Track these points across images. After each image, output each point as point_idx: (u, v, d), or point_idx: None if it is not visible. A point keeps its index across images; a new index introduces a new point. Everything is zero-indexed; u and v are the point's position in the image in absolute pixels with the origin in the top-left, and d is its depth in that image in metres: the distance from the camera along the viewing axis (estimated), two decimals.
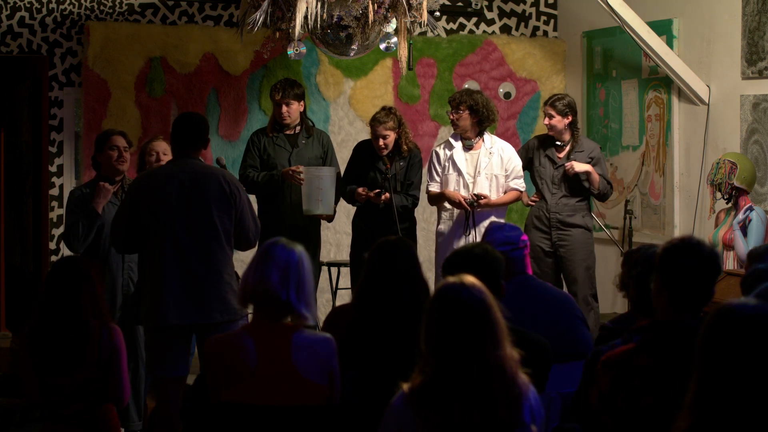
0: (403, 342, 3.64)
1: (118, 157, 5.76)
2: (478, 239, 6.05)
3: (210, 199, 4.99)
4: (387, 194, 6.54)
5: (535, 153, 7.00)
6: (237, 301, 3.71)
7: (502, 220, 6.69)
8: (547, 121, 6.88)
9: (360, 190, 6.61)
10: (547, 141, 6.98)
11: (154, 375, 5.16)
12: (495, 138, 6.85)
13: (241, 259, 7.42)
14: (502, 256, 3.89)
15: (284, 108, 6.64)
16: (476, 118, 6.63)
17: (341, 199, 6.85)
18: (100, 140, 5.85)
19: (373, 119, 6.68)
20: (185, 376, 5.11)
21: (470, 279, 2.99)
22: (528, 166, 7.02)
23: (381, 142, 6.62)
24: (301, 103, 6.74)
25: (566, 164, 6.83)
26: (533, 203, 7.01)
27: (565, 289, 6.98)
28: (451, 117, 6.70)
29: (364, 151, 6.78)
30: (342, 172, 6.83)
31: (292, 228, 6.43)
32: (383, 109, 6.74)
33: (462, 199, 6.56)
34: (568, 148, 6.92)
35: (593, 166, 6.86)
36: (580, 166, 6.81)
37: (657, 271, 3.10)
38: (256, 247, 6.65)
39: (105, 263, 5.63)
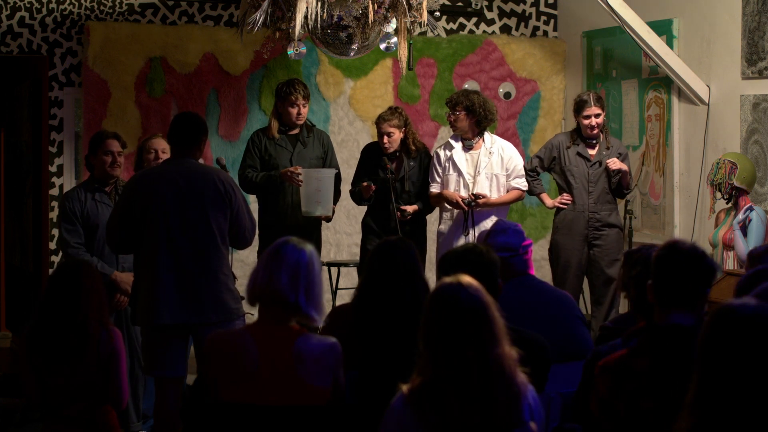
0: (404, 342, 3.64)
1: (112, 162, 5.75)
2: None
3: (205, 198, 4.98)
4: (412, 208, 6.61)
5: (562, 152, 6.91)
6: (246, 299, 3.67)
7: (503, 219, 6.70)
8: (595, 121, 6.77)
9: (365, 183, 6.59)
10: (576, 139, 6.90)
11: (152, 375, 5.15)
12: (495, 137, 6.84)
13: (241, 259, 7.44)
14: (498, 258, 3.87)
15: (301, 108, 6.65)
16: (474, 118, 6.63)
17: (340, 199, 6.86)
18: (94, 142, 5.82)
19: (378, 117, 6.71)
20: (184, 376, 5.11)
21: (467, 279, 2.99)
22: (552, 165, 6.96)
23: (386, 139, 6.62)
24: (308, 104, 6.78)
25: (608, 160, 6.78)
26: (564, 205, 6.91)
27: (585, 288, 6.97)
28: (449, 118, 6.71)
29: (372, 153, 6.80)
30: (341, 173, 6.83)
31: (292, 228, 6.42)
32: (389, 108, 6.80)
33: (459, 200, 6.57)
34: (598, 145, 6.89)
35: (621, 162, 6.85)
36: (621, 164, 6.78)
37: (651, 275, 3.13)
38: (256, 245, 6.73)
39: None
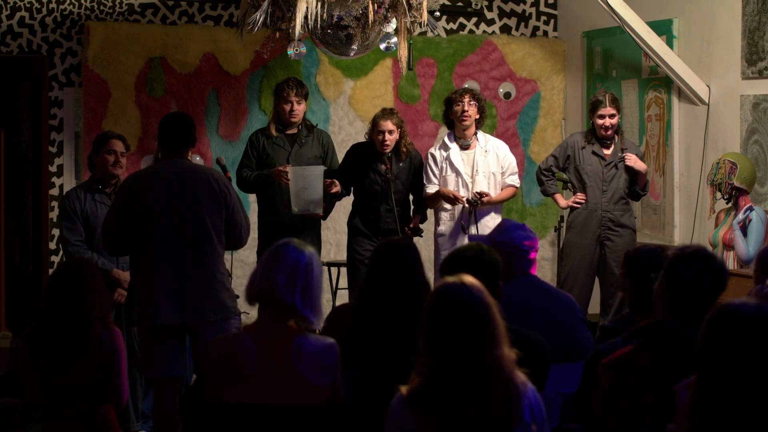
0: (406, 343, 3.64)
1: (114, 162, 5.75)
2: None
3: (200, 198, 4.99)
4: (414, 222, 6.72)
5: (577, 151, 6.91)
6: (245, 298, 3.68)
7: (499, 216, 6.73)
8: (609, 122, 6.76)
9: (328, 181, 6.54)
10: (591, 139, 6.90)
11: (150, 375, 5.16)
12: (488, 136, 6.89)
13: (241, 259, 7.44)
14: (500, 257, 3.87)
15: (295, 105, 6.65)
16: (480, 113, 6.70)
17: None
18: (98, 141, 5.84)
19: (375, 116, 6.70)
20: (182, 376, 5.12)
21: (469, 279, 2.99)
22: (566, 164, 6.96)
23: (387, 137, 6.61)
24: (306, 103, 6.77)
25: (625, 155, 6.78)
26: (578, 205, 6.90)
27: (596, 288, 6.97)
28: (462, 108, 6.63)
29: (361, 152, 6.77)
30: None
31: (290, 227, 6.43)
32: (384, 109, 6.80)
33: (458, 195, 6.57)
34: (613, 145, 6.88)
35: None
36: (638, 162, 6.78)
37: (664, 274, 3.13)
38: (255, 245, 6.73)
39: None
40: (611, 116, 6.79)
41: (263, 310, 3.64)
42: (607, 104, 6.78)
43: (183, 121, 5.19)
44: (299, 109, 6.68)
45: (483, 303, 2.93)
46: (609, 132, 6.82)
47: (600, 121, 6.81)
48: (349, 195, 6.81)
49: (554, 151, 7.10)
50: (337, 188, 6.57)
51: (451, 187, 6.69)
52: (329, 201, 6.75)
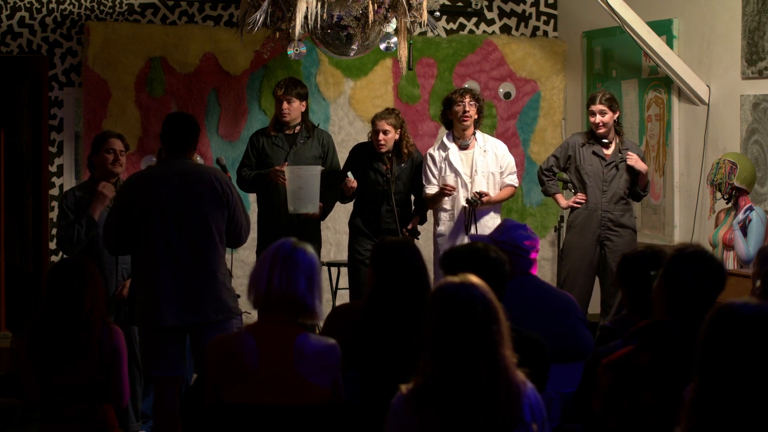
0: (407, 343, 3.65)
1: (114, 160, 5.75)
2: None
3: (202, 198, 4.99)
4: (413, 224, 6.74)
5: (578, 151, 6.89)
6: (251, 303, 3.66)
7: (498, 216, 6.74)
8: (599, 119, 6.74)
9: (347, 179, 6.60)
10: (591, 138, 6.89)
11: (150, 375, 5.16)
12: (487, 136, 6.91)
13: (241, 259, 7.45)
14: (506, 257, 3.87)
15: (285, 104, 6.65)
16: (479, 112, 6.70)
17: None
18: (97, 141, 5.84)
19: (374, 116, 6.72)
20: (182, 376, 5.12)
21: (473, 278, 2.99)
22: (567, 164, 6.96)
23: (381, 136, 6.62)
24: (303, 103, 6.75)
25: (627, 153, 6.77)
26: (579, 205, 6.90)
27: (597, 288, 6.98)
28: (463, 108, 6.64)
29: (363, 153, 6.79)
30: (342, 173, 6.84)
31: (291, 226, 6.43)
32: (386, 108, 6.83)
33: (446, 185, 6.57)
34: (613, 145, 6.88)
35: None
36: (639, 162, 6.78)
37: (663, 274, 3.13)
38: (254, 244, 6.72)
39: (98, 264, 5.60)
40: (601, 113, 6.76)
41: (269, 311, 3.62)
42: (598, 101, 6.77)
43: (185, 121, 5.19)
44: (291, 108, 6.66)
45: (492, 303, 2.93)
46: (600, 130, 6.81)
47: (591, 118, 6.82)
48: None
49: (555, 151, 7.10)
50: (353, 184, 6.58)
51: None
52: (329, 201, 6.76)
